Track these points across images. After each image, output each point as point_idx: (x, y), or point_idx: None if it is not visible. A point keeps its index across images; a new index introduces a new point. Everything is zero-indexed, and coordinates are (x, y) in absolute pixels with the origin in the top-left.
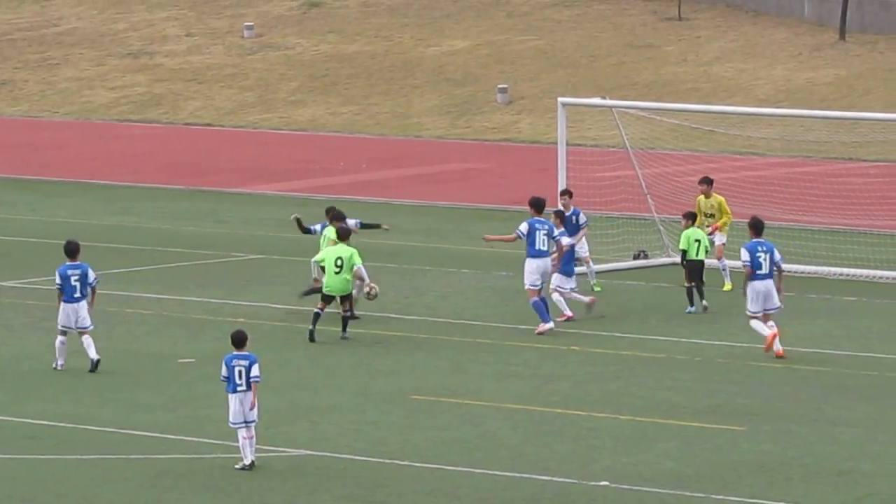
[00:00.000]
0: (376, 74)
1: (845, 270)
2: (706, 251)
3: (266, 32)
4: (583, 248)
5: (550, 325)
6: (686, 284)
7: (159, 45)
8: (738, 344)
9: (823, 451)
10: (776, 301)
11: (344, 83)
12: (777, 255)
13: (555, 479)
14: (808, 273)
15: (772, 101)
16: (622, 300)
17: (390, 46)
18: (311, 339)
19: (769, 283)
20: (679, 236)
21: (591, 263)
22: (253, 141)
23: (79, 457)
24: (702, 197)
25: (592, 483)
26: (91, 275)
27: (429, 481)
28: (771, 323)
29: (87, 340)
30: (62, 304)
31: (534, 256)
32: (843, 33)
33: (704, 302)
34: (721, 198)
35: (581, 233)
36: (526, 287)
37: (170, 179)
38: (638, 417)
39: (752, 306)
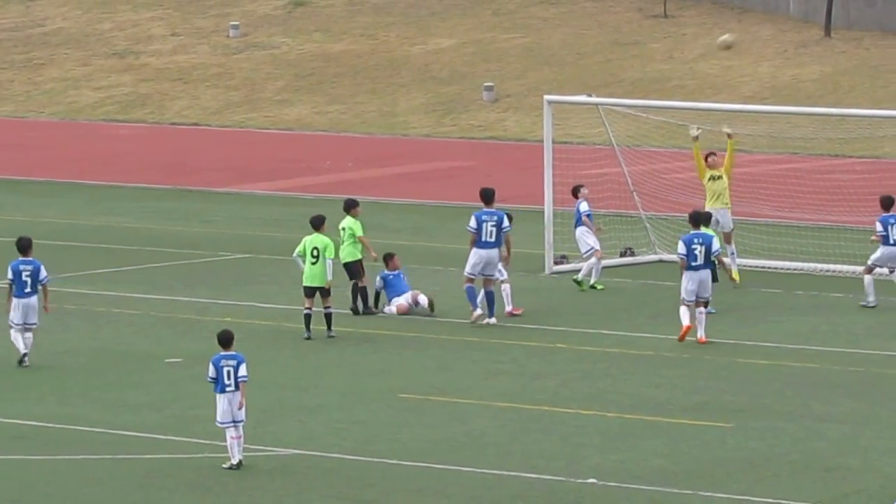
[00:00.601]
0: (362, 73)
1: (832, 267)
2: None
3: (252, 31)
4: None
5: (479, 311)
6: None
7: (145, 44)
8: (726, 341)
9: (811, 448)
10: (709, 289)
11: (330, 82)
12: (715, 246)
13: (543, 476)
14: (795, 270)
15: (757, 97)
16: (609, 297)
17: (376, 45)
18: (308, 339)
19: (703, 274)
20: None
21: (599, 260)
22: (239, 140)
23: (66, 457)
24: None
25: (580, 480)
26: (42, 272)
27: (417, 480)
28: (702, 309)
29: (29, 336)
30: (14, 299)
31: (479, 247)
32: (828, 30)
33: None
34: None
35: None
36: (464, 273)
37: (156, 179)
38: (625, 415)
39: (685, 294)
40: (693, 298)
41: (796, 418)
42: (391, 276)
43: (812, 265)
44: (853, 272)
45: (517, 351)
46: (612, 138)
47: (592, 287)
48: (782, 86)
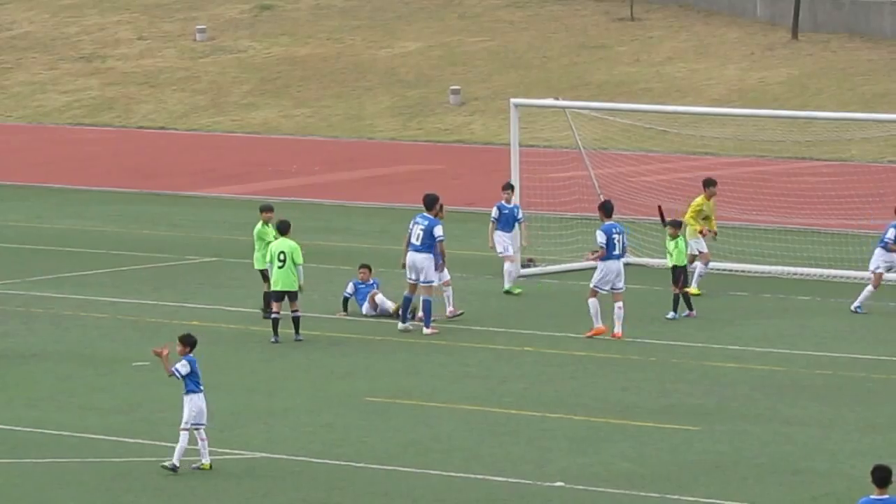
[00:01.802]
0: (328, 77)
1: (799, 270)
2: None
3: (218, 35)
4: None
5: (404, 325)
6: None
7: (112, 48)
8: (693, 344)
9: (778, 451)
10: (623, 281)
11: (296, 86)
12: (625, 239)
13: (510, 480)
14: (762, 273)
15: (725, 100)
16: (576, 301)
17: (342, 49)
18: (276, 343)
19: (620, 264)
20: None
21: (515, 263)
22: (206, 144)
23: (34, 460)
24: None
25: (547, 484)
26: None
27: (384, 483)
28: (620, 304)
29: None
30: None
31: (410, 251)
32: (795, 32)
33: (690, 312)
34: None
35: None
36: None
37: (123, 183)
38: (592, 418)
39: (600, 283)
40: (608, 288)
41: (763, 421)
42: (362, 286)
43: (779, 268)
44: (820, 275)
45: (484, 354)
46: (579, 141)
47: (507, 292)
48: (749, 89)
